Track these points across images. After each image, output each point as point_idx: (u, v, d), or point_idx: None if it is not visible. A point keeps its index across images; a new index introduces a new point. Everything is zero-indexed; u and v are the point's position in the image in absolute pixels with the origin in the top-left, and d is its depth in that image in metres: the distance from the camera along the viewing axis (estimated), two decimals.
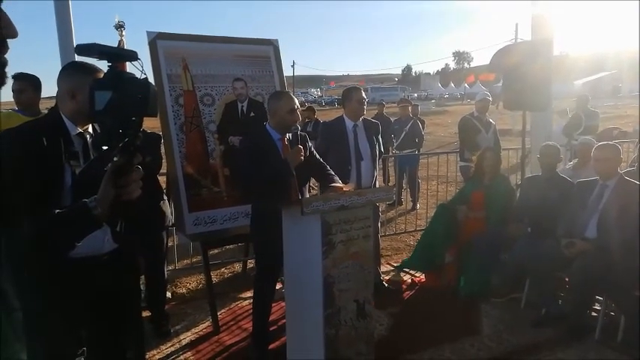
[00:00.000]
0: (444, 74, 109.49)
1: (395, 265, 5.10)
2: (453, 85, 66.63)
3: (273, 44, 4.38)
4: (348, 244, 2.70)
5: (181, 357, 3.37)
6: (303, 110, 8.32)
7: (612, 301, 3.57)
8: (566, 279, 3.79)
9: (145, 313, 3.61)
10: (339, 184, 3.11)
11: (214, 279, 4.50)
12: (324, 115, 16.11)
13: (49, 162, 1.75)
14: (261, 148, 3.09)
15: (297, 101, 3.20)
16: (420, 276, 4.75)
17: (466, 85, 55.99)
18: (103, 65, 1.40)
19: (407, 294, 4.44)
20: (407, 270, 4.92)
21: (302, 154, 3.06)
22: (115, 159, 1.36)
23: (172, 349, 3.47)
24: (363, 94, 4.14)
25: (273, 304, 3.45)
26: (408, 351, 3.37)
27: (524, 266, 3.93)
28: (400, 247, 5.83)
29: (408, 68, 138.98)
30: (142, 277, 3.65)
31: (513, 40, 33.46)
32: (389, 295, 4.29)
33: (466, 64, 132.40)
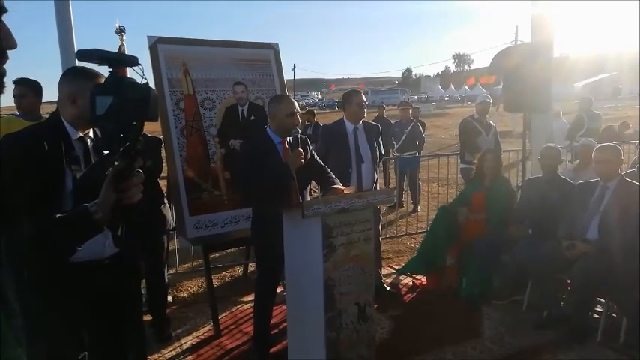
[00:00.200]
0: (445, 76, 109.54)
1: (396, 267, 5.10)
2: (453, 87, 66.76)
3: (273, 48, 4.40)
4: (349, 247, 2.70)
5: None
6: (302, 113, 8.35)
7: (614, 303, 3.57)
8: (568, 280, 3.78)
9: (146, 317, 3.61)
10: (339, 186, 3.11)
11: (215, 282, 4.49)
12: (325, 118, 16.14)
13: (50, 166, 1.76)
14: (261, 151, 3.10)
15: (297, 105, 3.21)
16: (422, 278, 4.74)
17: (466, 87, 56.15)
18: (104, 70, 1.41)
19: (408, 296, 4.43)
20: (408, 272, 4.92)
21: (302, 157, 3.06)
22: (116, 163, 1.37)
23: (174, 352, 3.47)
24: (364, 97, 4.15)
25: (274, 308, 3.45)
26: (409, 353, 3.37)
27: (526, 268, 3.93)
28: (401, 249, 5.82)
29: (409, 71, 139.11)
30: (143, 280, 3.65)
31: (513, 42, 33.51)
32: (390, 297, 4.29)
33: (466, 67, 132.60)
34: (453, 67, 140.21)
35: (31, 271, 1.66)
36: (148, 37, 3.80)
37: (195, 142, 3.89)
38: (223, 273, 5.01)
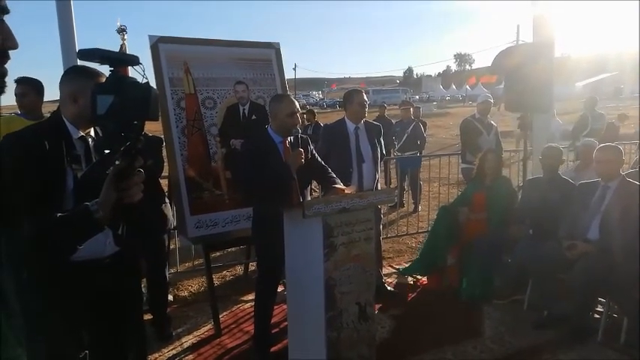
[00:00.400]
0: (446, 76, 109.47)
1: (397, 267, 5.10)
2: (454, 87, 66.73)
3: (274, 47, 4.40)
4: (350, 247, 2.70)
5: None
6: (303, 113, 8.36)
7: (615, 303, 3.56)
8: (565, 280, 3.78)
9: (147, 316, 3.61)
10: (340, 186, 3.11)
11: (216, 282, 4.50)
12: (326, 118, 16.13)
13: (51, 165, 1.76)
14: (262, 151, 3.10)
15: (297, 105, 3.21)
16: (422, 278, 4.74)
17: (468, 87, 56.11)
18: (105, 70, 1.42)
19: (409, 296, 4.43)
20: (411, 274, 4.91)
21: (302, 157, 3.06)
22: (117, 162, 1.37)
23: (174, 352, 3.47)
24: (365, 97, 4.14)
25: (275, 307, 3.45)
26: (410, 353, 3.37)
27: (526, 268, 3.93)
28: (402, 249, 5.82)
29: (410, 70, 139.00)
30: (144, 280, 3.65)
31: (515, 42, 33.47)
32: (391, 297, 4.29)
33: (468, 66, 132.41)
34: (454, 67, 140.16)
35: (31, 270, 1.66)
36: (149, 36, 3.81)
37: (197, 141, 3.89)
38: (224, 272, 5.02)
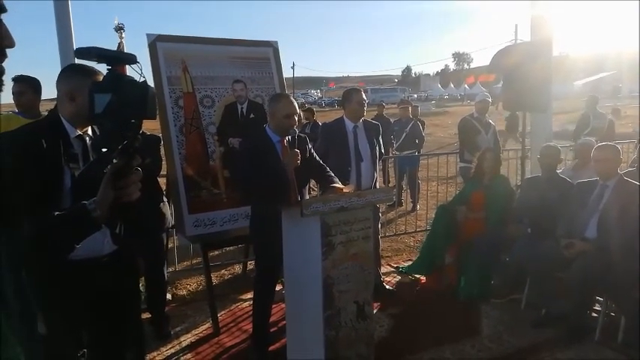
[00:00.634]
0: (444, 75, 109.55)
1: (395, 266, 5.10)
2: (452, 86, 66.70)
3: (272, 46, 4.39)
4: (348, 246, 2.70)
5: (181, 359, 3.37)
6: (302, 111, 8.35)
7: (612, 302, 3.57)
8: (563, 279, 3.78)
9: (145, 315, 3.61)
10: (338, 185, 3.11)
11: (214, 280, 4.50)
12: (324, 117, 16.13)
13: (48, 164, 1.76)
14: (260, 150, 3.10)
15: (296, 106, 3.19)
16: (421, 277, 4.75)
17: (466, 86, 56.12)
18: (103, 68, 1.41)
19: (407, 295, 4.43)
20: (411, 274, 4.91)
21: (299, 158, 3.05)
22: (115, 161, 1.37)
23: (172, 350, 3.47)
24: (364, 96, 4.14)
25: (273, 306, 3.45)
26: (408, 352, 3.37)
27: (524, 267, 3.93)
28: (400, 248, 5.83)
29: (408, 69, 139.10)
30: (142, 279, 3.65)
31: (513, 41, 33.50)
32: (389, 296, 4.29)
33: (466, 65, 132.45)
34: (452, 66, 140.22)
35: (29, 270, 1.65)
36: (147, 34, 3.80)
37: (195, 140, 3.88)
38: (222, 271, 5.02)
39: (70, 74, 1.91)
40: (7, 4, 0.97)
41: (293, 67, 66.72)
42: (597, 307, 3.69)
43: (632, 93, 40.06)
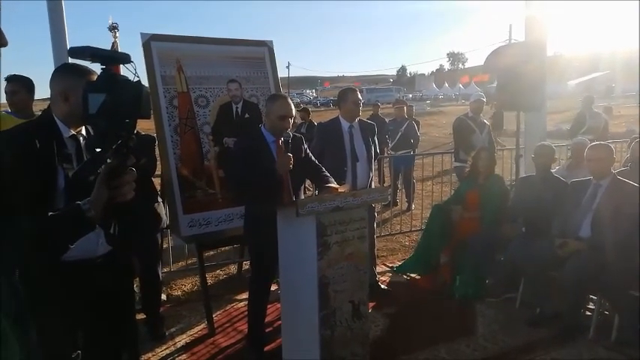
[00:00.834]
0: (439, 75, 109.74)
1: (390, 265, 5.11)
2: (447, 85, 66.92)
3: (267, 45, 4.38)
4: (343, 245, 2.70)
5: (176, 359, 3.36)
6: (298, 111, 8.34)
7: (606, 300, 3.59)
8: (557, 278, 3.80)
9: (140, 316, 3.60)
10: (334, 185, 3.11)
11: (209, 281, 4.48)
12: (319, 117, 16.12)
13: (42, 164, 1.74)
14: (254, 150, 3.09)
15: (292, 107, 3.16)
16: (416, 276, 4.75)
17: (461, 85, 56.39)
18: (97, 67, 1.41)
19: (402, 295, 4.43)
20: (405, 273, 4.92)
21: (291, 162, 3.02)
22: (109, 161, 1.37)
23: (167, 351, 3.46)
24: (359, 96, 4.14)
25: (269, 306, 3.44)
26: (403, 352, 3.37)
27: (519, 266, 3.95)
28: (395, 247, 5.84)
29: (403, 69, 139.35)
30: (137, 279, 3.63)
31: (507, 41, 33.64)
32: (384, 295, 4.29)
33: (461, 65, 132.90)
34: (447, 66, 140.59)
35: (23, 271, 1.64)
36: (141, 34, 3.78)
37: (189, 139, 3.87)
38: (217, 271, 5.00)
39: (63, 74, 1.90)
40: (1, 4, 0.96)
41: (288, 67, 66.70)
42: (591, 306, 3.72)
43: (625, 93, 40.34)
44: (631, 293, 3.28)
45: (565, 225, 3.76)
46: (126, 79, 1.36)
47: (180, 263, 5.15)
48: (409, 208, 7.59)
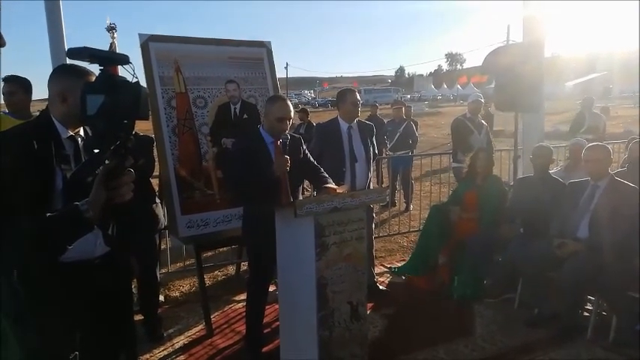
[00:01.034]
0: (437, 76, 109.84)
1: (389, 266, 5.11)
2: (445, 86, 67.01)
3: (265, 46, 4.38)
4: (342, 246, 2.70)
5: None
6: (296, 111, 8.34)
7: (604, 301, 3.60)
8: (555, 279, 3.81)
9: (138, 317, 3.59)
10: (332, 185, 3.11)
11: (207, 282, 4.48)
12: (318, 117, 16.13)
13: (40, 165, 1.74)
14: (252, 150, 3.09)
15: (291, 109, 3.15)
16: (414, 277, 4.75)
17: (459, 86, 56.40)
18: (95, 68, 1.40)
19: (401, 295, 4.44)
20: (404, 274, 4.92)
21: (288, 164, 3.01)
22: (107, 162, 1.36)
23: (165, 352, 3.45)
24: (358, 96, 4.14)
25: (267, 307, 3.44)
26: (401, 352, 3.38)
27: (517, 266, 3.95)
28: (394, 248, 5.84)
29: (401, 70, 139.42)
30: (135, 280, 3.62)
31: (505, 42, 33.70)
32: (383, 296, 4.29)
33: (459, 66, 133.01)
34: (445, 67, 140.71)
35: (22, 271, 1.64)
36: (139, 34, 3.78)
37: (188, 140, 3.87)
38: (215, 272, 5.00)
39: (61, 74, 1.89)
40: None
41: (286, 68, 66.65)
42: (589, 307, 3.72)
43: (622, 94, 40.46)
44: (629, 294, 3.29)
45: (563, 226, 3.77)
46: (124, 80, 1.36)
47: (178, 264, 5.14)
48: (407, 209, 7.60)
